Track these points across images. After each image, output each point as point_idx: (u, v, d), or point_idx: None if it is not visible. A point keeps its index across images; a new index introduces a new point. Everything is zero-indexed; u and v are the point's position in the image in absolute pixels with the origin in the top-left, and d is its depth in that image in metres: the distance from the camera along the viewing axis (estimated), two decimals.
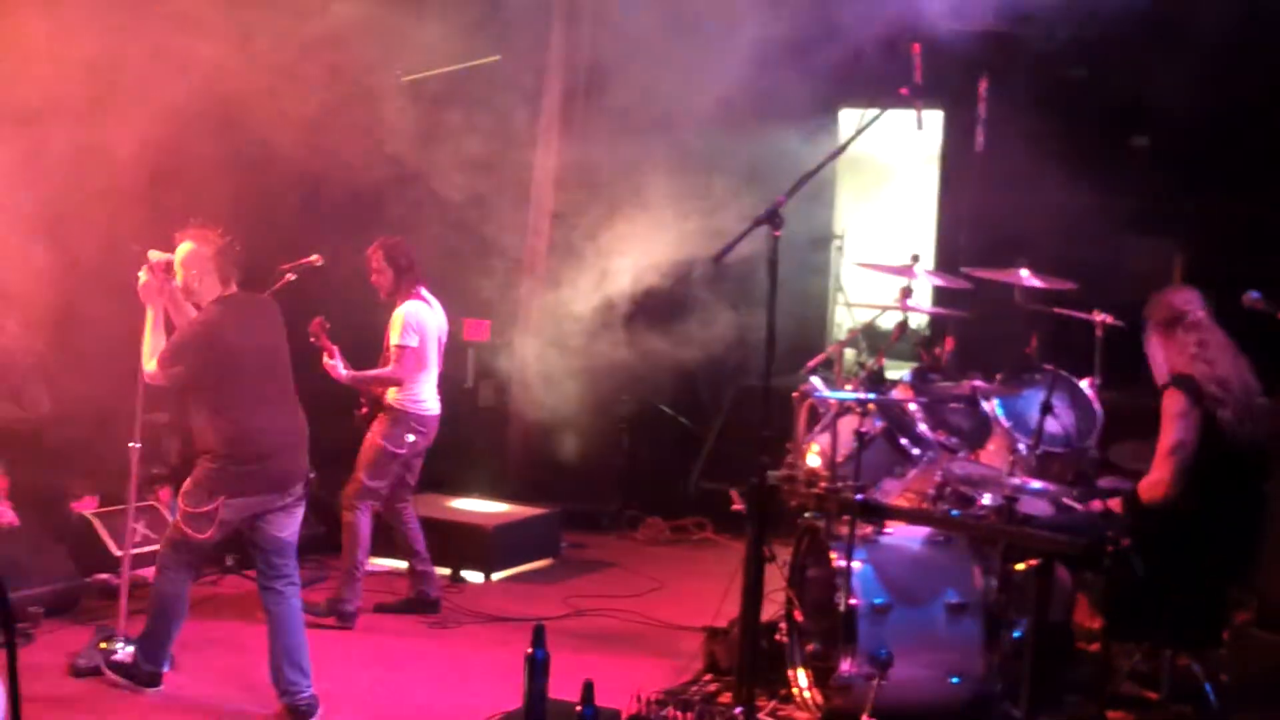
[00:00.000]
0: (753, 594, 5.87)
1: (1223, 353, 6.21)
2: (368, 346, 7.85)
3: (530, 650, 5.62)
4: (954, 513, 6.46)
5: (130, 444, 6.85)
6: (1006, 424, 6.99)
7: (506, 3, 9.89)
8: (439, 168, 8.93)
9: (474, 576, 8.76)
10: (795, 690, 6.46)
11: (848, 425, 6.62)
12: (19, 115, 7.15)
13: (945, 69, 8.29)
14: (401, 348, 7.61)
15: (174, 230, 6.44)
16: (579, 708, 5.54)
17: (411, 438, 7.75)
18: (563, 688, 5.74)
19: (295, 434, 6.43)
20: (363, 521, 7.70)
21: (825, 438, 6.78)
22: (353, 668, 7.01)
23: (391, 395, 7.71)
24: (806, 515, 6.63)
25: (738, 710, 5.88)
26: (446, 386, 8.13)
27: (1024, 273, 7.45)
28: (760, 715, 6.25)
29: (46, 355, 7.82)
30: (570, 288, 9.40)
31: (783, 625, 6.62)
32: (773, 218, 5.71)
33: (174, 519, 6.46)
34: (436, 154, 8.91)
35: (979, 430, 7.17)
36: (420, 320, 7.70)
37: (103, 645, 6.77)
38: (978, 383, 7.02)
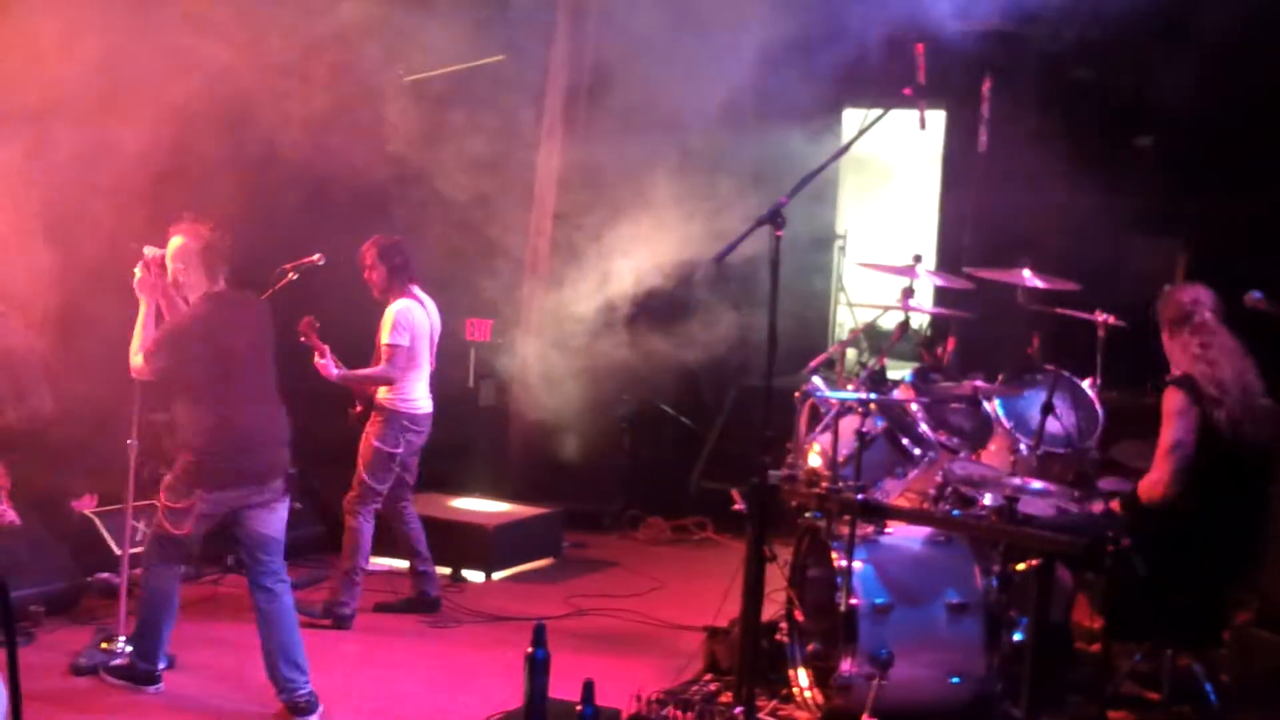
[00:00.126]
0: (753, 594, 5.87)
1: (1225, 355, 6.20)
2: (372, 346, 7.84)
3: (531, 649, 5.61)
4: (955, 513, 6.45)
5: (128, 441, 6.85)
6: (1008, 424, 6.99)
7: (511, 2, 9.90)
8: (442, 167, 8.93)
9: (475, 576, 8.76)
10: (796, 690, 6.46)
11: (849, 425, 6.62)
12: (23, 114, 7.15)
13: (949, 69, 8.30)
14: (392, 346, 7.59)
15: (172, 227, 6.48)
16: (579, 707, 5.54)
17: (406, 436, 7.73)
18: (563, 687, 5.74)
19: (275, 430, 6.45)
20: (365, 526, 7.69)
21: (826, 438, 6.77)
22: (353, 667, 7.01)
23: (382, 394, 7.70)
24: (807, 515, 6.63)
25: (738, 710, 5.88)
26: (448, 386, 8.14)
27: (1026, 273, 7.44)
28: (760, 715, 6.24)
29: (50, 355, 7.82)
30: (572, 287, 9.41)
31: (783, 625, 6.62)
32: (775, 218, 5.71)
33: (157, 515, 6.49)
34: (440, 153, 8.92)
35: (980, 430, 7.18)
36: (411, 319, 7.67)
37: (104, 645, 6.78)
38: (979, 383, 7.01)
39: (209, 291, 6.34)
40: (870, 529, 6.42)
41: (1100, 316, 7.54)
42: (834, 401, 6.84)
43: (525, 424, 10.14)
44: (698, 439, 11.01)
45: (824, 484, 6.44)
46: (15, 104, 7.11)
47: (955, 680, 6.17)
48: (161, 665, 6.51)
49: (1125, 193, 9.61)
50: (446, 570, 8.66)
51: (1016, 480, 6.26)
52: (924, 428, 7.02)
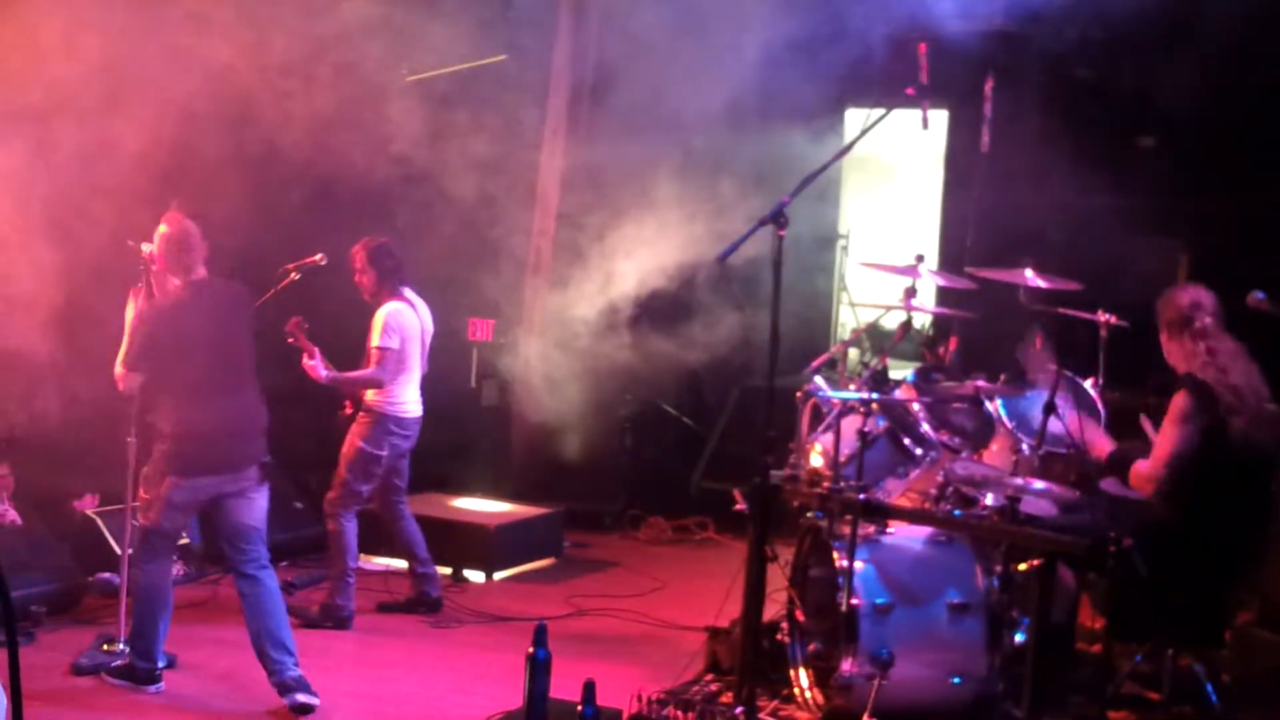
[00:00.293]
0: (754, 594, 5.87)
1: (1233, 360, 6.21)
2: None
3: (532, 649, 5.62)
4: (956, 513, 6.45)
5: (127, 439, 6.85)
6: (1010, 424, 6.98)
7: (513, 2, 9.90)
8: (445, 167, 8.93)
9: (476, 576, 8.76)
10: (796, 690, 6.45)
11: (851, 425, 6.61)
12: (27, 113, 7.15)
13: (951, 69, 8.29)
14: (382, 350, 7.55)
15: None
16: (580, 707, 5.55)
17: (392, 440, 7.69)
18: (564, 687, 5.74)
19: (250, 418, 6.50)
20: (347, 527, 7.66)
21: (828, 437, 6.76)
22: (354, 667, 7.01)
23: (370, 396, 7.66)
24: (809, 515, 6.62)
25: (739, 710, 5.88)
26: (450, 386, 8.13)
27: (1028, 273, 7.43)
28: (761, 715, 6.24)
29: (55, 355, 7.82)
30: (575, 288, 9.41)
31: (784, 625, 6.61)
32: (777, 218, 5.71)
33: (138, 512, 6.52)
34: (442, 153, 8.92)
35: (982, 430, 7.17)
36: (401, 322, 7.63)
37: (105, 647, 6.79)
38: (981, 383, 7.01)
39: (187, 280, 6.40)
40: (872, 529, 6.42)
41: (1102, 316, 7.53)
42: (836, 401, 6.83)
43: (527, 424, 10.14)
44: (699, 439, 11.01)
45: (826, 484, 6.43)
46: (18, 103, 7.11)
47: (956, 680, 6.16)
48: (162, 665, 6.52)
49: (1127, 193, 9.60)
50: (448, 570, 8.66)
51: (1018, 480, 6.25)
52: (926, 427, 7.01)
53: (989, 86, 10.42)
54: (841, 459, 6.54)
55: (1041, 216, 9.38)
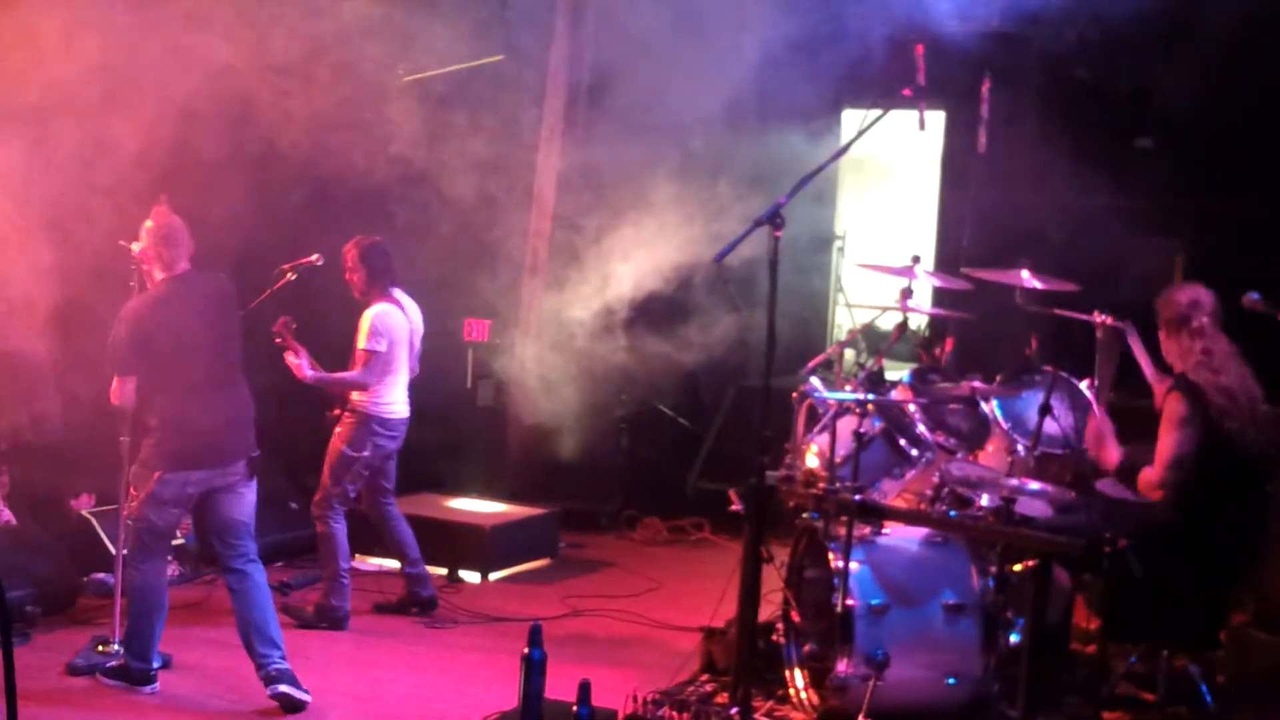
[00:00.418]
0: (750, 594, 5.87)
1: (1228, 360, 6.21)
2: None
3: (527, 650, 5.62)
4: (952, 514, 6.45)
5: (120, 438, 6.84)
6: (1005, 425, 6.98)
7: (510, 2, 9.89)
8: (442, 168, 8.93)
9: (471, 576, 8.75)
10: (792, 691, 6.45)
11: (847, 426, 6.62)
12: (26, 113, 7.15)
13: (949, 70, 8.29)
14: (369, 352, 7.52)
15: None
16: (575, 708, 5.54)
17: (376, 440, 7.66)
18: (559, 688, 5.74)
19: (235, 411, 6.51)
20: (335, 529, 7.65)
21: (824, 438, 6.77)
22: (349, 668, 7.00)
23: (355, 397, 7.63)
24: (805, 516, 6.63)
25: (734, 711, 5.88)
26: (446, 386, 8.11)
27: (1025, 274, 7.43)
28: (756, 716, 6.23)
29: (52, 356, 7.82)
30: (571, 289, 9.40)
31: (780, 626, 6.62)
32: (774, 218, 5.71)
33: (131, 510, 6.52)
34: (439, 154, 8.91)
35: (978, 431, 7.17)
36: (388, 324, 7.61)
37: (100, 648, 6.78)
38: (977, 384, 7.01)
39: (169, 275, 6.43)
40: (867, 530, 6.42)
41: (1098, 318, 7.53)
42: (832, 402, 6.83)
43: (523, 424, 10.13)
44: (695, 440, 11.00)
45: (821, 485, 6.44)
46: (17, 102, 7.11)
47: (952, 681, 6.17)
48: (156, 665, 6.52)
49: (1124, 194, 9.60)
50: (443, 570, 8.67)
51: (1014, 481, 6.25)
52: (922, 428, 7.01)
53: (986, 87, 10.42)
54: (837, 460, 6.55)
55: (1038, 217, 9.38)
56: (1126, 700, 6.48)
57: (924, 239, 11.35)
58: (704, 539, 10.07)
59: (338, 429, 7.67)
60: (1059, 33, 9.95)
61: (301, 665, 6.45)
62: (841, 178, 12.29)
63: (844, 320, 12.44)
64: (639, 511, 10.28)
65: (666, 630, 7.80)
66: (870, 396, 6.67)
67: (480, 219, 9.45)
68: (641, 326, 9.54)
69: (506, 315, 10.17)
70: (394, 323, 7.63)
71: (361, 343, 7.56)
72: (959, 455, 6.97)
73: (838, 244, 12.41)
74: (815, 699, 6.32)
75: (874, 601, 6.15)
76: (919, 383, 7.38)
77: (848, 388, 7.16)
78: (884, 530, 6.49)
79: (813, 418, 7.16)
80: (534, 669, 5.62)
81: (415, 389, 7.91)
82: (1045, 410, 6.46)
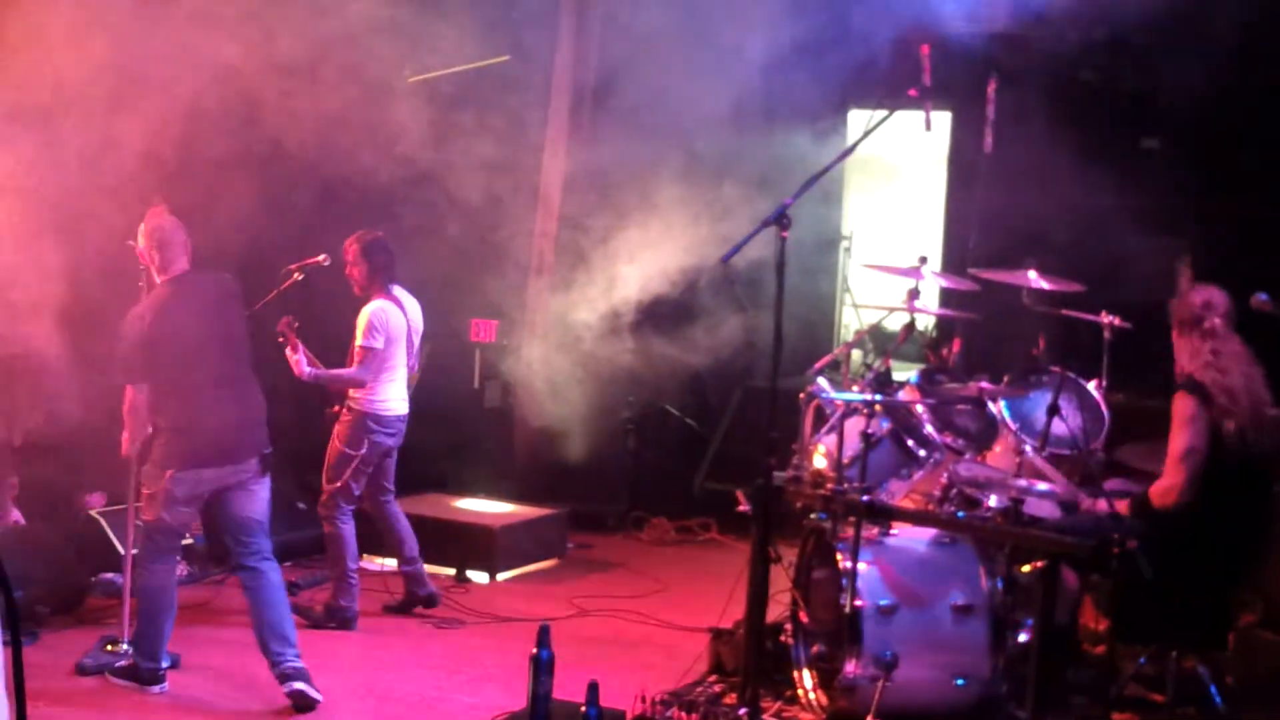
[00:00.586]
0: (758, 595, 5.87)
1: (1236, 363, 6.20)
2: None
3: (535, 650, 5.62)
4: (960, 514, 6.44)
5: (122, 441, 6.84)
6: (1013, 425, 6.98)
7: (516, 3, 9.89)
8: (449, 168, 8.93)
9: (479, 577, 8.76)
10: (800, 691, 6.45)
11: (854, 426, 6.62)
12: (33, 113, 7.15)
13: (954, 70, 8.29)
14: (366, 349, 7.52)
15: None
16: (584, 708, 5.55)
17: (373, 438, 7.64)
18: (568, 688, 5.74)
19: (245, 409, 6.52)
20: (343, 528, 7.65)
21: (831, 439, 6.77)
22: (357, 667, 7.01)
23: (351, 394, 7.63)
24: (812, 516, 6.63)
25: (742, 711, 5.88)
26: (453, 387, 8.10)
27: (1032, 274, 7.43)
28: (765, 716, 6.23)
29: (63, 356, 7.82)
30: (578, 289, 9.41)
31: (788, 626, 6.62)
32: (780, 219, 5.71)
33: (141, 509, 6.53)
34: (446, 154, 8.91)
35: (986, 432, 7.17)
36: (385, 321, 7.59)
37: (109, 647, 6.79)
38: (984, 384, 7.01)
39: (169, 276, 6.45)
40: (875, 530, 6.41)
41: (1106, 318, 7.54)
42: (839, 403, 6.83)
43: (530, 425, 10.14)
44: (703, 440, 11.01)
45: (829, 485, 6.44)
46: (27, 102, 7.11)
47: (960, 682, 6.16)
48: (165, 665, 6.52)
49: (1131, 194, 9.60)
50: (451, 571, 8.68)
51: (1022, 482, 6.25)
52: (929, 429, 7.01)
53: (992, 88, 10.42)
54: (845, 460, 6.54)
55: (1045, 218, 9.37)
56: (1135, 701, 6.47)
57: (930, 239, 11.35)
58: (711, 540, 10.08)
59: (336, 428, 7.68)
60: (1064, 33, 9.94)
61: (310, 665, 6.45)
62: (848, 178, 12.29)
63: (851, 321, 12.45)
64: (646, 512, 10.29)
65: (674, 631, 7.80)
66: (878, 397, 6.67)
67: (486, 219, 9.45)
68: (648, 327, 9.54)
69: (513, 316, 10.18)
70: (391, 320, 7.63)
71: (359, 339, 7.56)
72: (967, 456, 6.97)
73: (844, 245, 12.41)
74: (824, 700, 6.31)
75: (882, 602, 6.14)
76: (926, 383, 7.38)
77: (855, 388, 7.17)
78: (892, 531, 6.48)
79: (820, 418, 7.16)
80: (542, 669, 5.62)
81: (423, 389, 7.92)
82: (1053, 411, 6.46)
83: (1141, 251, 9.25)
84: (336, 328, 7.90)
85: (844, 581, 6.15)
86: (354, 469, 7.63)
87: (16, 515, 7.71)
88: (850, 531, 6.19)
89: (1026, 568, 6.15)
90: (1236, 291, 6.41)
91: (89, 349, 7.42)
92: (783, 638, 6.64)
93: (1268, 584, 6.78)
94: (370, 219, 8.37)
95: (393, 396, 7.71)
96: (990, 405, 7.08)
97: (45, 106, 7.15)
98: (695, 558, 9.66)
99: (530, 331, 10.11)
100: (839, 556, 6.23)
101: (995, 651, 6.15)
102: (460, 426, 9.95)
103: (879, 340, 10.29)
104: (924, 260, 7.57)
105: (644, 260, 8.98)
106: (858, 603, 6.10)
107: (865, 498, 6.14)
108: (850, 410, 6.75)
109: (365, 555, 8.08)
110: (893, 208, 13.00)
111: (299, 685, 6.26)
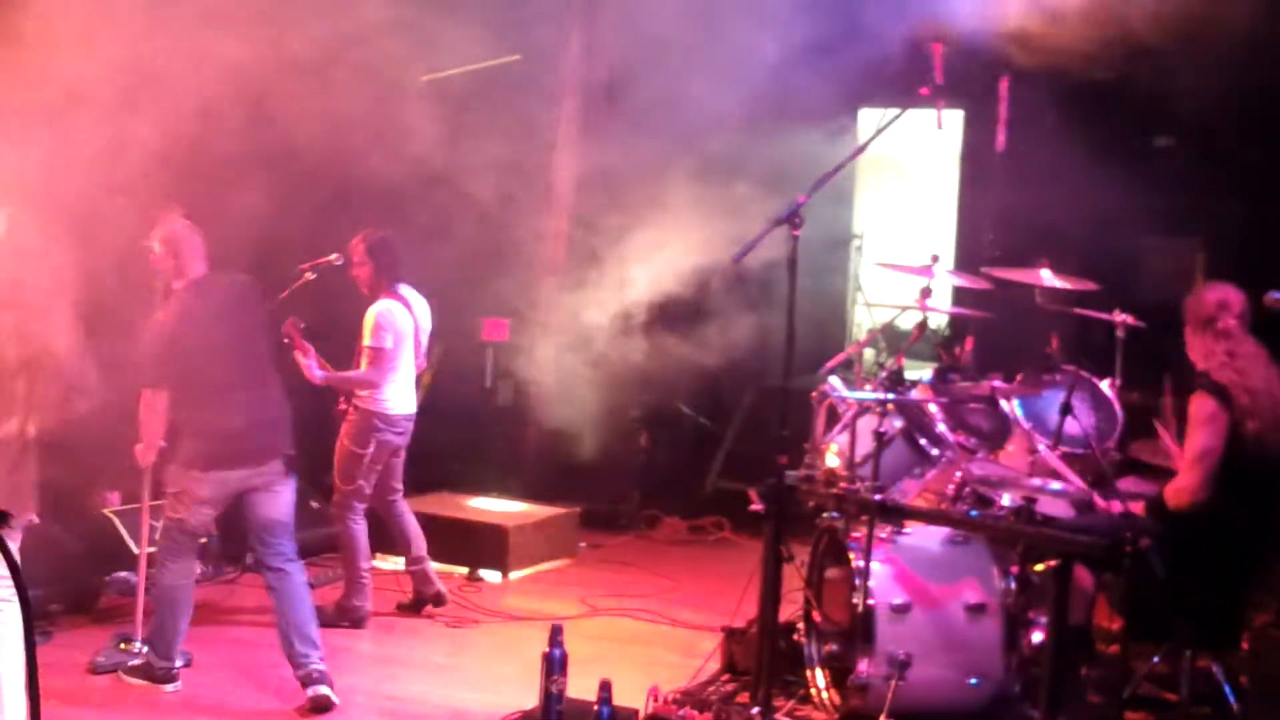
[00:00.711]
0: (771, 594, 5.87)
1: (1253, 363, 6.17)
2: None
3: (548, 649, 5.63)
4: (973, 513, 6.43)
5: (136, 445, 6.83)
6: (1026, 424, 6.97)
7: (526, 3, 9.89)
8: (460, 168, 8.93)
9: (492, 576, 8.76)
10: (813, 691, 6.45)
11: (867, 425, 6.60)
12: (46, 111, 7.16)
13: (967, 68, 8.27)
14: (375, 349, 7.51)
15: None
16: (596, 706, 5.55)
17: (380, 436, 7.62)
18: (580, 687, 5.74)
19: (268, 410, 6.52)
20: (354, 528, 7.65)
21: (844, 438, 6.76)
22: (370, 666, 7.02)
23: (358, 394, 7.63)
24: (825, 515, 6.62)
25: (755, 710, 5.88)
26: (465, 386, 8.10)
27: (1045, 273, 7.42)
28: (778, 715, 6.23)
29: (79, 354, 7.82)
30: (590, 288, 9.40)
31: (801, 625, 6.61)
32: (792, 217, 5.71)
33: (164, 508, 6.53)
34: (457, 154, 8.91)
35: (999, 431, 7.16)
36: (392, 320, 7.59)
37: (122, 646, 6.80)
38: (998, 383, 7.00)
39: (188, 280, 6.46)
40: (888, 529, 6.40)
41: (1119, 316, 7.52)
42: (852, 402, 6.83)
43: (542, 424, 10.14)
44: (715, 439, 11.00)
45: (842, 484, 6.43)
46: (39, 100, 7.12)
47: (974, 681, 6.15)
48: (179, 664, 6.53)
49: (1144, 193, 9.58)
50: (464, 569, 8.68)
51: (1035, 481, 6.24)
52: (942, 428, 7.00)
53: (1005, 86, 10.41)
54: (858, 459, 6.54)
55: (1058, 216, 9.36)
56: (1149, 701, 6.46)
57: (943, 238, 11.34)
58: (724, 539, 10.08)
59: (343, 428, 7.68)
60: (1077, 31, 9.91)
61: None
62: (859, 177, 12.29)
63: (863, 320, 12.44)
64: (659, 511, 10.30)
65: (687, 630, 7.80)
66: (890, 396, 6.65)
67: (498, 219, 9.45)
68: (660, 326, 9.54)
69: (526, 315, 10.18)
70: (398, 319, 7.63)
71: (367, 340, 7.56)
72: (980, 455, 6.96)
73: (856, 243, 12.40)
74: (837, 699, 6.31)
75: (895, 601, 6.14)
76: (939, 382, 7.37)
77: (868, 387, 7.16)
78: (905, 530, 6.48)
79: (833, 417, 7.15)
80: (555, 668, 5.63)
81: (435, 388, 7.92)
82: (1066, 409, 6.45)
83: (1154, 250, 9.25)
84: (350, 327, 7.90)
85: (856, 580, 6.14)
86: (363, 468, 7.63)
87: (30, 514, 7.70)
88: (863, 530, 6.19)
89: (1040, 567, 6.14)
90: (1249, 290, 6.39)
91: (104, 346, 7.44)
92: (795, 637, 6.63)
93: None
94: (381, 218, 8.37)
95: (399, 395, 7.71)
96: (1003, 404, 7.07)
97: (57, 106, 7.16)
98: (707, 557, 9.67)
99: (542, 330, 10.10)
100: (851, 555, 6.23)
101: (1009, 651, 6.14)
102: (473, 426, 9.95)
103: (891, 339, 10.25)
104: (936, 259, 7.56)
105: (655, 259, 8.97)
106: (870, 602, 6.09)
107: (878, 497, 6.13)
108: (863, 409, 6.74)
109: (379, 554, 8.08)
110: (904, 206, 13.00)
111: (323, 690, 6.26)
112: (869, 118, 11.04)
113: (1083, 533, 5.84)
